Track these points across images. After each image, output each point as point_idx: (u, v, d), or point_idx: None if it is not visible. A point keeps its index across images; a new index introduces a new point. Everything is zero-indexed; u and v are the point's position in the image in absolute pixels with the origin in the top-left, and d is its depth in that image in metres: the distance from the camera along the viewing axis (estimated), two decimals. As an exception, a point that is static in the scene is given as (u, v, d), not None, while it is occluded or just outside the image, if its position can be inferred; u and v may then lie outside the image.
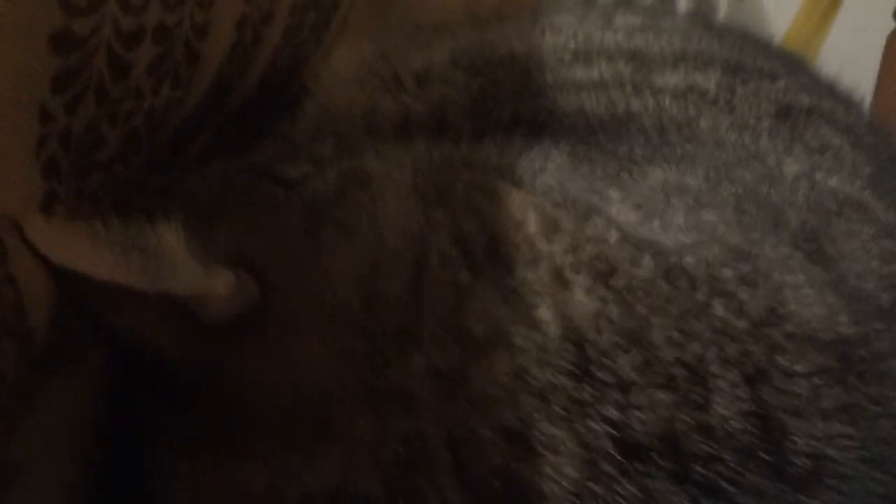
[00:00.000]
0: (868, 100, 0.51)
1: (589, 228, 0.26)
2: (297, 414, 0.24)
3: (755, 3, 1.89)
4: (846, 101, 0.43)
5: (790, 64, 0.44)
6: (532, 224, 0.27)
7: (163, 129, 0.41)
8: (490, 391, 0.23)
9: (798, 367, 0.24)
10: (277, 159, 0.34)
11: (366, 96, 0.45)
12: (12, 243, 0.28)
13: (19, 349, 0.28)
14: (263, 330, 0.25)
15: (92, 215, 0.35)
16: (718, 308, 0.25)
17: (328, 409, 0.24)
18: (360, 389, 0.24)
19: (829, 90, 0.43)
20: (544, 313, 0.24)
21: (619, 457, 0.23)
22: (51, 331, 0.32)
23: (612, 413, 0.23)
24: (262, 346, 0.25)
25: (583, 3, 0.51)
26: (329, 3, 0.57)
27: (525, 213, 0.27)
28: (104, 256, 0.24)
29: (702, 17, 0.47)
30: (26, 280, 0.29)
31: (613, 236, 0.26)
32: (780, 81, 0.40)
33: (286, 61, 0.53)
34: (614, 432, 0.23)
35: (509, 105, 0.40)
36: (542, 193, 0.28)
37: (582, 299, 0.25)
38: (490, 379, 0.23)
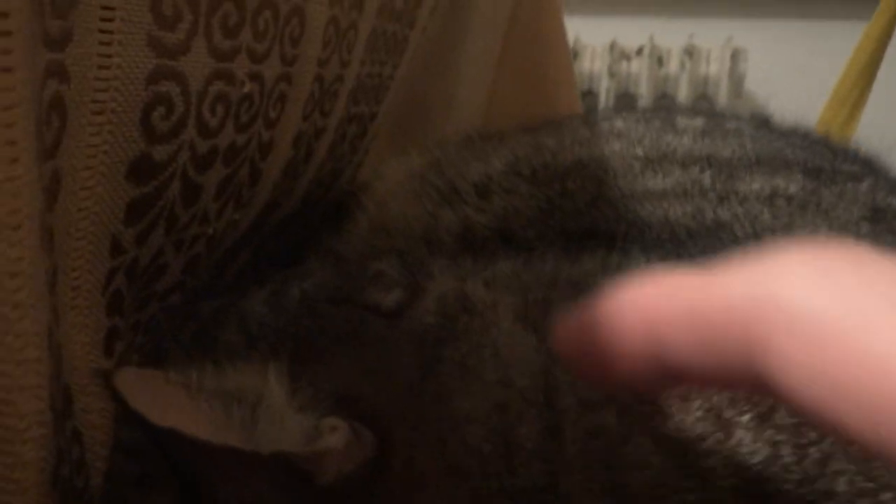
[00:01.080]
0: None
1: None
2: None
3: (752, 100, 1.94)
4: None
5: (864, 163, 0.43)
6: None
7: (218, 252, 0.38)
8: None
9: None
10: (356, 284, 0.31)
11: (424, 209, 0.43)
12: (80, 395, 0.25)
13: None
14: (384, 488, 0.22)
15: (153, 352, 0.32)
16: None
17: None
18: None
19: (908, 189, 0.41)
20: (711, 462, 0.21)
21: None
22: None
23: None
24: None
25: (631, 109, 0.50)
26: (368, 114, 0.56)
27: None
28: (203, 412, 0.21)
29: (763, 117, 0.46)
30: (91, 436, 0.26)
31: None
32: (863, 183, 0.39)
33: (327, 175, 0.52)
34: None
35: (584, 216, 0.38)
36: None
37: (750, 444, 0.21)
38: None
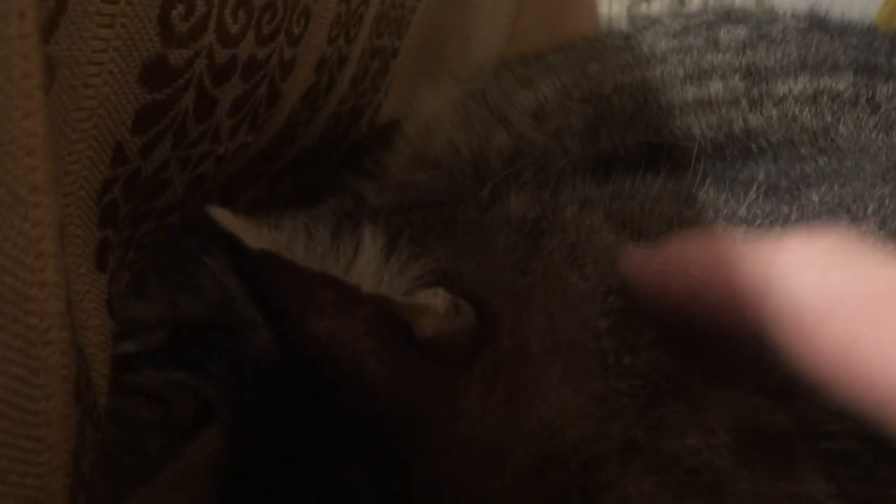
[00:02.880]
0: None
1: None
2: (541, 474, 0.19)
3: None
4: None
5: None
6: None
7: (224, 175, 0.36)
8: None
9: None
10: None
11: (474, 133, 0.41)
12: (75, 311, 0.23)
13: (94, 443, 0.23)
14: (489, 363, 0.20)
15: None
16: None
17: (586, 467, 0.19)
18: (631, 442, 0.19)
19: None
20: None
21: None
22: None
23: None
24: (488, 383, 0.20)
25: (670, 21, 0.47)
26: (390, 49, 0.54)
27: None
28: (301, 244, 0.19)
29: (818, 16, 0.43)
30: (91, 354, 0.24)
31: None
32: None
33: (347, 113, 0.50)
34: None
35: (618, 132, 0.36)
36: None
37: None
38: None
